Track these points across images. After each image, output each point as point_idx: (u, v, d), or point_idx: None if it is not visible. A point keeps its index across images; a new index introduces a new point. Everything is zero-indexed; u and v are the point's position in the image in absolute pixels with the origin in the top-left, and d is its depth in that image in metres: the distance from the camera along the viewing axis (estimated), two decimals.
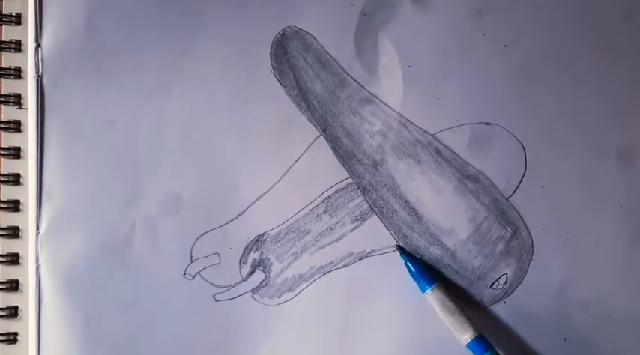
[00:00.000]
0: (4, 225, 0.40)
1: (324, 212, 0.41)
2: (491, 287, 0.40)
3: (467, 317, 0.38)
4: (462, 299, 0.39)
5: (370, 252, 0.40)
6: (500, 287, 0.40)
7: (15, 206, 0.40)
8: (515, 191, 0.40)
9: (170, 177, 0.40)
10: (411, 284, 0.40)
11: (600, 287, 0.40)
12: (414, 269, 0.39)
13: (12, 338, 0.40)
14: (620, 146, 0.40)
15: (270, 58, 0.40)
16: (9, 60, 0.40)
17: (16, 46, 0.40)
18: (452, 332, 0.38)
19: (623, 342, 0.40)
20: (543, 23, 0.40)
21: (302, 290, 0.40)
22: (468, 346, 0.38)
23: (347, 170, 0.40)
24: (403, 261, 0.39)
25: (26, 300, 0.40)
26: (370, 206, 0.40)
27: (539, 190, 0.40)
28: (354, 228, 0.41)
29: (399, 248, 0.40)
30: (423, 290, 0.39)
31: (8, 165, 0.40)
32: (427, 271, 0.39)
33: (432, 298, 0.39)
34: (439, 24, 0.40)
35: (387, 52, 0.40)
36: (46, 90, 0.40)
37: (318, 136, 0.40)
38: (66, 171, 0.40)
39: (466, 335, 0.38)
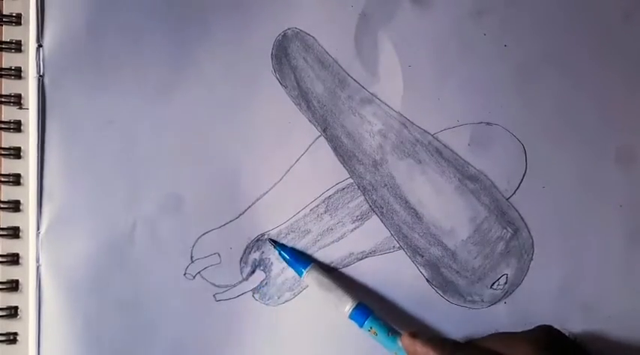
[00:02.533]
0: (4, 225, 0.40)
1: (325, 212, 0.41)
2: (491, 287, 0.40)
3: (344, 290, 0.39)
4: None
5: (370, 252, 0.40)
6: (501, 287, 0.40)
7: (15, 206, 0.40)
8: (515, 191, 0.40)
9: (170, 177, 0.40)
10: (411, 284, 0.40)
11: (600, 287, 0.40)
12: (288, 257, 0.40)
13: (12, 338, 0.40)
14: (620, 146, 0.40)
15: (271, 58, 0.40)
16: (10, 60, 0.40)
17: (17, 47, 0.40)
18: (334, 308, 0.39)
19: (623, 342, 0.40)
20: (543, 23, 0.40)
21: (302, 290, 0.40)
22: (351, 316, 0.38)
23: (347, 170, 0.40)
24: (277, 252, 0.40)
25: (26, 300, 0.40)
26: (370, 206, 0.40)
27: (540, 190, 0.40)
28: (354, 228, 0.41)
29: (271, 241, 0.40)
30: (300, 273, 0.39)
31: (8, 165, 0.40)
32: (300, 256, 0.40)
33: (310, 279, 0.39)
34: (439, 24, 0.40)
35: (387, 52, 0.40)
36: (46, 90, 0.40)
37: (319, 136, 0.40)
38: (66, 172, 0.40)
39: (347, 307, 0.38)
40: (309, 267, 0.39)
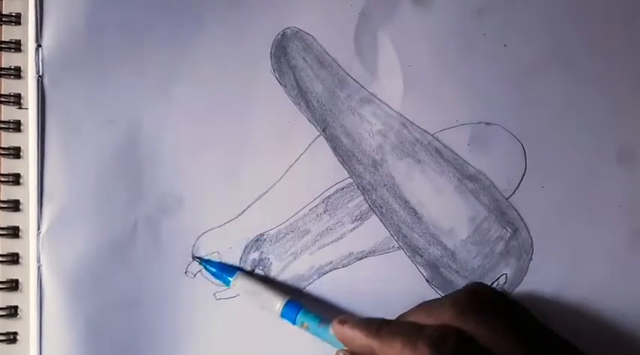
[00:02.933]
0: (4, 225, 0.40)
1: (324, 212, 0.41)
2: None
3: (272, 291, 0.39)
4: None
5: (370, 252, 0.40)
6: (500, 287, 0.40)
7: (15, 206, 0.40)
8: (515, 191, 0.40)
9: (171, 177, 0.40)
10: (411, 284, 0.40)
11: (600, 287, 0.40)
12: (214, 270, 0.40)
13: (12, 338, 0.40)
14: (621, 146, 0.40)
15: (270, 58, 0.40)
16: (9, 60, 0.40)
17: (16, 46, 0.40)
18: (265, 311, 0.39)
19: (624, 342, 0.40)
20: (543, 23, 0.40)
21: (302, 290, 0.40)
22: (282, 315, 0.38)
23: (347, 170, 0.40)
24: (202, 267, 0.40)
25: (26, 300, 0.40)
26: (370, 206, 0.40)
27: (539, 190, 0.40)
28: (354, 228, 0.41)
29: (195, 258, 0.40)
30: (227, 283, 0.39)
31: (8, 165, 0.40)
32: (225, 267, 0.40)
33: (238, 287, 0.39)
34: (439, 24, 0.40)
35: (386, 51, 0.40)
36: (46, 90, 0.40)
37: (318, 136, 0.40)
38: (67, 171, 0.40)
39: (277, 306, 0.38)
40: (235, 277, 0.39)
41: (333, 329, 0.36)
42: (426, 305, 0.35)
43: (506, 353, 0.31)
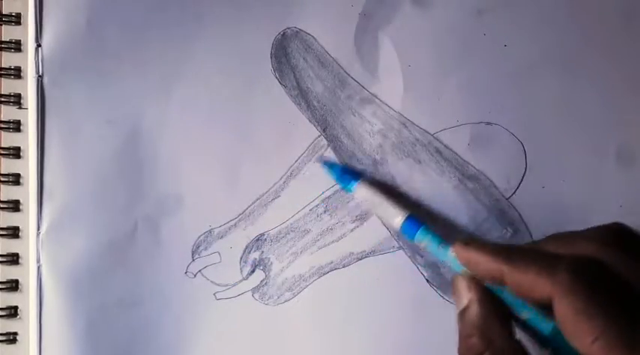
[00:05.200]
0: (4, 225, 0.40)
1: (324, 212, 0.41)
2: None
3: (394, 203, 0.38)
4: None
5: (370, 252, 0.40)
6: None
7: (15, 206, 0.40)
8: (515, 191, 0.40)
9: (171, 177, 0.40)
10: (411, 284, 0.40)
11: None
12: (337, 172, 0.39)
13: (12, 338, 0.40)
14: (620, 146, 0.40)
15: (271, 58, 0.40)
16: (9, 60, 0.40)
17: (16, 46, 0.40)
18: (386, 222, 0.39)
19: None
20: (543, 23, 0.40)
21: (302, 289, 0.40)
22: (402, 229, 0.37)
23: None
24: (325, 170, 0.40)
25: (26, 300, 0.40)
26: None
27: (539, 190, 0.40)
28: (354, 228, 0.41)
29: (319, 160, 0.40)
30: (349, 189, 0.39)
31: (8, 165, 0.40)
32: (349, 172, 0.40)
33: (359, 194, 0.39)
34: (439, 24, 0.40)
35: (387, 52, 0.40)
36: (46, 90, 0.40)
37: (319, 136, 0.40)
38: (67, 171, 0.40)
39: (398, 219, 0.37)
40: (358, 182, 0.39)
41: (456, 250, 0.33)
42: (562, 236, 0.33)
43: None
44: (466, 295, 0.32)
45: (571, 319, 0.28)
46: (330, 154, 0.40)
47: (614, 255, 0.30)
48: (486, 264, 0.31)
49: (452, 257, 0.34)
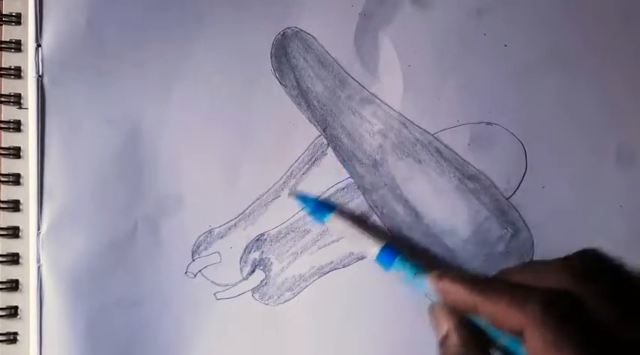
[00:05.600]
0: (4, 225, 0.40)
1: None
2: None
3: (369, 235, 0.38)
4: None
5: None
6: None
7: (15, 206, 0.40)
8: (515, 191, 0.40)
9: (171, 177, 0.40)
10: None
11: None
12: (309, 208, 0.40)
13: (12, 338, 0.40)
14: (620, 146, 0.40)
15: (271, 58, 0.40)
16: (9, 60, 0.40)
17: (16, 46, 0.40)
18: (363, 253, 0.39)
19: None
20: (543, 23, 0.40)
21: (302, 289, 0.40)
22: (378, 259, 0.37)
23: (347, 170, 0.40)
24: (299, 203, 0.40)
25: (26, 300, 0.40)
26: (370, 206, 0.40)
27: (540, 190, 0.40)
28: None
29: (292, 194, 0.40)
30: (322, 222, 0.39)
31: (8, 165, 0.40)
32: (321, 205, 0.40)
33: (333, 226, 0.39)
34: (439, 24, 0.40)
35: (387, 51, 0.40)
36: (46, 90, 0.40)
37: (319, 136, 0.40)
38: (67, 171, 0.40)
39: (374, 250, 0.38)
40: (331, 215, 0.39)
41: (431, 281, 0.34)
42: (534, 266, 0.34)
43: (620, 325, 0.30)
44: (445, 323, 0.33)
45: (541, 350, 0.28)
46: (330, 156, 0.40)
47: (585, 288, 0.30)
48: (460, 294, 0.32)
49: (427, 287, 0.35)
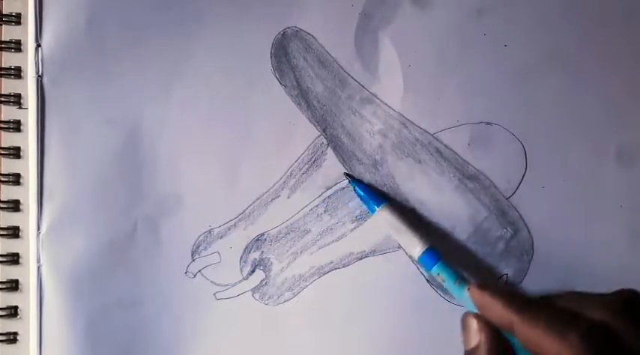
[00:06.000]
0: (4, 225, 0.40)
1: (324, 212, 0.41)
2: None
3: (415, 233, 0.38)
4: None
5: (370, 252, 0.40)
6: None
7: (15, 206, 0.40)
8: (515, 191, 0.40)
9: (171, 177, 0.40)
10: (411, 284, 0.40)
11: (600, 287, 0.40)
12: (362, 192, 0.39)
13: (12, 338, 0.40)
14: (620, 146, 0.40)
15: (271, 58, 0.40)
16: (9, 60, 0.40)
17: (16, 46, 0.40)
18: (405, 249, 0.39)
19: None
20: (543, 23, 0.40)
21: (302, 289, 0.40)
22: (420, 260, 0.38)
23: (347, 170, 0.40)
24: (352, 187, 0.40)
25: (26, 300, 0.40)
26: None
27: (540, 190, 0.40)
28: (354, 228, 0.41)
29: (347, 175, 0.40)
30: (372, 210, 0.39)
31: (8, 165, 0.40)
32: (375, 193, 0.40)
33: (381, 217, 0.39)
34: (439, 24, 0.40)
35: (387, 51, 0.40)
36: (46, 89, 0.40)
37: (319, 136, 0.40)
38: (67, 171, 0.40)
39: (417, 250, 0.38)
40: (382, 206, 0.39)
41: (472, 291, 0.34)
42: (578, 296, 0.34)
43: None
44: (476, 336, 0.33)
45: None
46: (330, 156, 0.40)
47: (625, 325, 0.30)
48: (499, 310, 0.32)
49: (466, 296, 0.35)
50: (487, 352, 0.32)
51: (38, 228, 0.39)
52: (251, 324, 0.40)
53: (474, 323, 0.33)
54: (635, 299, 0.33)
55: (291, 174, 0.40)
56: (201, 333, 0.40)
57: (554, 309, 0.32)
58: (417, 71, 0.40)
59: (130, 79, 0.40)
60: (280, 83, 0.40)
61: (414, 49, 0.40)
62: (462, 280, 0.36)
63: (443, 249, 0.39)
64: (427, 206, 0.40)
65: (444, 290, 0.40)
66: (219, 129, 0.40)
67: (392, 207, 0.39)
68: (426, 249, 0.37)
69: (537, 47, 0.40)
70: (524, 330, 0.31)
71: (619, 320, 0.31)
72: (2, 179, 0.40)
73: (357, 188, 0.40)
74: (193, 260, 0.40)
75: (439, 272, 0.37)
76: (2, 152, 0.40)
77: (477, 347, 0.33)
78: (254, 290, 0.40)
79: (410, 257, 0.40)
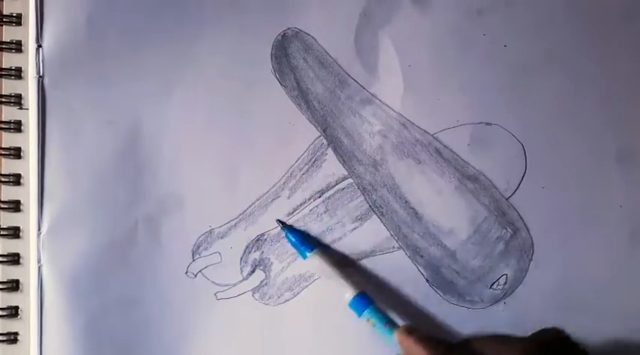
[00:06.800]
0: (5, 225, 0.40)
1: (324, 212, 0.41)
2: (491, 287, 0.40)
3: (346, 278, 0.39)
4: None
5: (370, 252, 0.40)
6: (500, 287, 0.40)
7: (15, 206, 0.40)
8: (515, 191, 0.40)
9: (171, 177, 0.40)
10: (411, 284, 0.40)
11: (600, 287, 0.40)
12: (293, 239, 0.40)
13: (12, 338, 0.40)
14: (620, 146, 0.40)
15: (271, 59, 0.40)
16: (10, 60, 0.40)
17: (17, 47, 0.40)
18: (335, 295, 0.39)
19: (624, 342, 0.40)
20: (543, 23, 0.40)
21: (302, 289, 0.40)
22: (351, 305, 0.38)
23: (347, 170, 0.40)
24: (284, 234, 0.40)
25: (27, 300, 0.40)
26: (370, 206, 0.40)
27: (539, 190, 0.40)
28: (354, 228, 0.41)
29: (279, 222, 0.40)
30: (304, 256, 0.39)
31: (9, 166, 0.40)
32: (307, 240, 0.40)
33: (312, 263, 0.39)
34: (439, 24, 0.40)
35: (387, 52, 0.40)
36: (46, 90, 0.40)
37: (319, 137, 0.40)
38: (67, 172, 0.40)
39: (348, 294, 0.38)
40: (312, 252, 0.39)
41: (399, 336, 0.36)
42: (498, 339, 0.36)
43: None
44: None
45: None
46: (330, 157, 0.40)
47: None
48: (421, 353, 0.34)
49: (394, 339, 0.36)
50: None
51: (39, 229, 0.40)
52: (251, 324, 0.40)
53: None
54: (552, 342, 0.35)
55: (291, 174, 0.40)
56: (202, 333, 0.40)
57: (474, 353, 0.33)
58: (417, 71, 0.40)
59: (130, 80, 0.40)
60: (280, 84, 0.40)
61: (414, 49, 0.40)
62: (391, 324, 0.37)
63: (441, 249, 0.39)
64: (427, 206, 0.40)
65: (444, 290, 0.40)
66: (219, 129, 0.40)
67: (323, 254, 0.39)
68: (358, 294, 0.38)
69: (537, 47, 0.40)
70: None
71: None
72: (3, 179, 0.40)
73: (288, 235, 0.40)
74: (194, 260, 0.40)
75: (369, 317, 0.37)
76: (3, 152, 0.40)
77: None
78: (254, 290, 0.40)
79: (411, 252, 0.40)
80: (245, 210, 0.40)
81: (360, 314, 0.38)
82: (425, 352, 0.34)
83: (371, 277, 0.40)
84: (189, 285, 0.40)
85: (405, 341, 0.35)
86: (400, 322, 0.38)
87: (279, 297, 0.40)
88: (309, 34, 0.40)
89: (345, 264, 0.40)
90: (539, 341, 0.35)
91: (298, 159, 0.40)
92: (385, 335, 0.37)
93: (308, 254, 0.39)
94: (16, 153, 0.40)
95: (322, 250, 0.40)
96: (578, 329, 0.39)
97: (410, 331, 0.36)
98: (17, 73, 0.40)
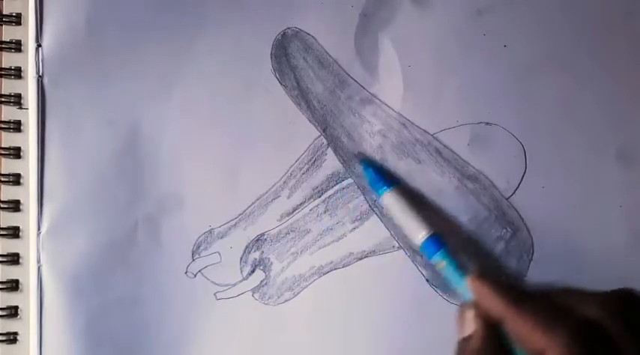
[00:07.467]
0: (5, 225, 0.40)
1: (324, 212, 0.41)
2: None
3: (422, 218, 0.38)
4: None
5: (370, 252, 0.40)
6: None
7: (15, 206, 0.40)
8: (515, 191, 0.40)
9: (171, 177, 0.40)
10: (411, 284, 0.40)
11: (600, 287, 0.40)
12: (370, 175, 0.39)
13: (12, 338, 0.40)
14: (620, 146, 0.40)
15: (271, 58, 0.40)
16: (9, 60, 0.40)
17: (17, 46, 0.40)
18: (407, 234, 0.39)
19: None
20: (543, 23, 0.40)
21: (302, 289, 0.40)
22: (422, 246, 0.38)
23: (347, 170, 0.40)
24: (362, 168, 0.40)
25: (26, 300, 0.40)
26: (370, 206, 0.40)
27: (539, 190, 0.40)
28: (354, 228, 0.41)
29: (360, 153, 0.40)
30: (379, 194, 0.39)
31: (8, 165, 0.40)
32: (382, 176, 0.39)
33: (387, 202, 0.39)
34: (439, 24, 0.40)
35: (387, 52, 0.40)
36: (46, 90, 0.40)
37: (319, 136, 0.40)
38: (67, 171, 0.40)
39: (420, 235, 0.38)
40: (390, 189, 0.39)
41: (471, 281, 0.34)
42: (575, 292, 0.33)
43: None
44: (470, 326, 0.33)
45: None
46: (330, 156, 0.40)
47: (617, 325, 0.30)
48: (493, 300, 0.32)
49: (465, 285, 0.35)
50: (480, 341, 0.32)
51: (38, 228, 0.40)
52: (251, 324, 0.40)
53: (470, 313, 0.33)
54: (631, 299, 0.33)
55: (291, 174, 0.40)
56: (202, 333, 0.40)
57: (546, 304, 0.31)
58: (417, 71, 0.40)
59: (130, 79, 0.40)
60: (280, 83, 0.40)
61: (414, 49, 0.40)
62: (462, 269, 0.36)
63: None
64: (426, 206, 0.40)
65: (444, 290, 0.40)
66: (219, 129, 0.40)
67: (400, 191, 0.39)
68: (431, 235, 0.37)
69: (537, 47, 0.40)
70: (515, 323, 0.31)
71: (611, 320, 0.30)
72: (2, 179, 0.40)
73: (366, 169, 0.39)
74: (194, 260, 0.40)
75: (442, 259, 0.37)
76: (2, 152, 0.40)
77: (469, 337, 0.33)
78: (254, 290, 0.40)
79: (411, 252, 0.40)
80: (245, 210, 0.40)
81: (431, 256, 0.37)
82: (496, 298, 0.32)
83: (369, 280, 0.40)
84: (189, 285, 0.40)
85: (476, 287, 0.34)
86: (471, 268, 0.36)
87: (279, 297, 0.40)
88: (309, 34, 0.40)
89: (418, 204, 0.39)
90: (618, 296, 0.33)
91: (298, 158, 0.40)
92: (455, 280, 0.36)
93: (385, 190, 0.39)
94: (16, 152, 0.40)
95: (399, 187, 0.39)
96: None
97: (482, 277, 0.34)
98: (17, 73, 0.40)
